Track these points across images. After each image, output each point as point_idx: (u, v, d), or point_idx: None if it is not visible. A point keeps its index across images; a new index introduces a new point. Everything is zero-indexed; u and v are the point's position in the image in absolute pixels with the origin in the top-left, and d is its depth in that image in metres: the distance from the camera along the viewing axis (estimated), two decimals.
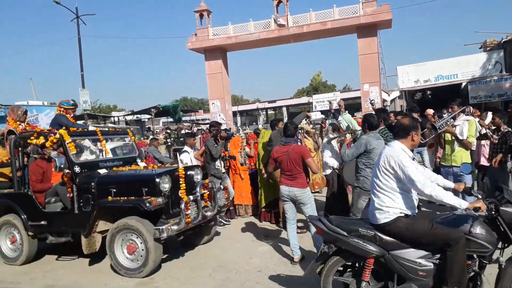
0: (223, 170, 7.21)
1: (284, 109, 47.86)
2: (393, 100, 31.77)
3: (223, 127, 12.01)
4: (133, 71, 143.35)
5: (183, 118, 28.42)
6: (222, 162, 7.15)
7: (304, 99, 48.95)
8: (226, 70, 20.69)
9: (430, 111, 8.55)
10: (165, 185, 5.21)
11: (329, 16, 18.31)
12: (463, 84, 18.92)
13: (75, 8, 20.33)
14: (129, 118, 30.22)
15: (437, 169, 6.84)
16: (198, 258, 5.75)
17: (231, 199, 6.83)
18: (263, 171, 6.79)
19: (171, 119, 25.61)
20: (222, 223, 7.07)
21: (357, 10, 18.01)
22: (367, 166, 4.84)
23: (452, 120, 5.60)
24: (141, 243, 5.05)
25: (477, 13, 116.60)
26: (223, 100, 20.16)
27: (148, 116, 27.02)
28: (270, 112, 55.52)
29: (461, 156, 5.62)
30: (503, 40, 18.26)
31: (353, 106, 52.82)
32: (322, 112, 47.68)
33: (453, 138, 5.66)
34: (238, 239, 6.47)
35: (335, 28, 18.49)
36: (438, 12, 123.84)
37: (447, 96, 19.29)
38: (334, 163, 6.49)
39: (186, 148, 7.37)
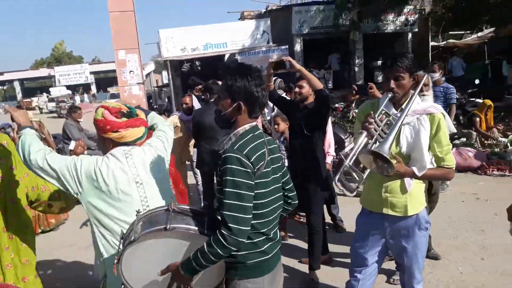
0: None
1: (17, 83, 38.37)
2: (148, 75, 28.64)
3: None
4: None
5: None
6: None
7: (44, 71, 41.89)
8: None
9: None
10: None
11: None
12: (227, 56, 17.26)
13: None
14: None
15: None
16: None
17: None
18: None
19: None
20: None
21: None
22: None
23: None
24: None
25: None
26: None
27: None
28: None
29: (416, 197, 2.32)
30: (267, 9, 17.40)
31: (105, 80, 47.56)
32: (68, 87, 40.74)
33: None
34: None
35: None
36: None
37: (216, 68, 17.50)
38: None
39: None
